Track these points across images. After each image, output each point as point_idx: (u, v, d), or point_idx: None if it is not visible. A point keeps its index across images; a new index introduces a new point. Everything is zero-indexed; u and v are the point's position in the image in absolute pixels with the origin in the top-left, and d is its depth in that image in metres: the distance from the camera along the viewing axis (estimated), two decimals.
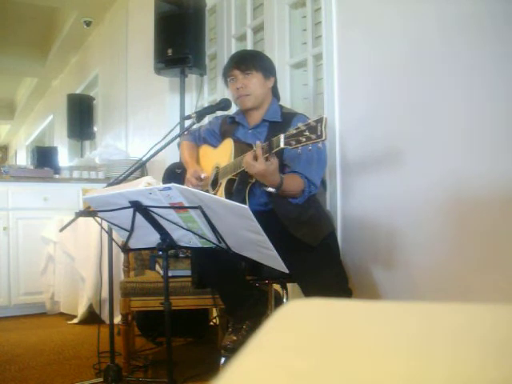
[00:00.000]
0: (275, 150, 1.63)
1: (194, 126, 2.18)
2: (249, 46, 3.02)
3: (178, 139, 2.19)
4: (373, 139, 2.06)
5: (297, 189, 1.88)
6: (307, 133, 1.51)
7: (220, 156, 2.06)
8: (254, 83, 2.05)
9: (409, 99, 1.90)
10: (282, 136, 1.58)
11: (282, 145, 1.57)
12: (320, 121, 1.49)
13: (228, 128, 2.18)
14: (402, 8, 1.93)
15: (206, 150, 2.25)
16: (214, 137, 2.26)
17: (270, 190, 1.77)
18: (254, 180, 1.90)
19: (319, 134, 1.49)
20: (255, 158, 1.67)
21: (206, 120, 2.86)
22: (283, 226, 1.86)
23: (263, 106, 2.09)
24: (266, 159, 1.67)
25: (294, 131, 1.55)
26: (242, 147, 1.94)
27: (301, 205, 1.90)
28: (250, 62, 2.06)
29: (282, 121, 2.02)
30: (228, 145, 2.01)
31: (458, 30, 1.69)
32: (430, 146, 1.80)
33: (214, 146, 2.21)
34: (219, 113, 2.29)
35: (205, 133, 2.28)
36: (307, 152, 1.64)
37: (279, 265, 1.53)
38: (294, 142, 1.54)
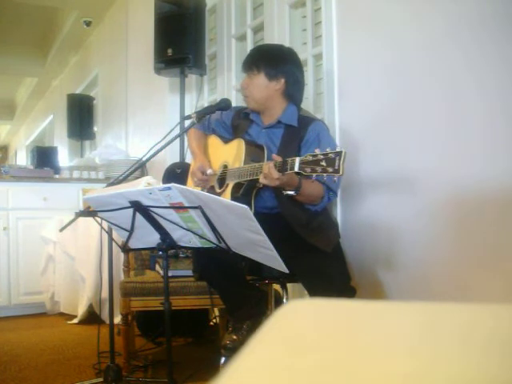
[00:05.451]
0: (288, 172, 1.59)
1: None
2: (249, 46, 3.02)
3: (178, 139, 2.18)
4: (373, 140, 2.05)
5: (317, 193, 1.84)
6: (324, 163, 1.48)
7: (230, 155, 2.00)
8: (254, 85, 1.99)
9: (410, 99, 1.90)
10: (297, 160, 1.54)
11: (296, 169, 1.54)
12: (339, 154, 1.46)
13: (241, 123, 2.11)
14: (402, 7, 1.93)
15: (214, 142, 2.18)
16: (224, 128, 2.19)
17: (289, 193, 1.72)
18: (261, 185, 1.88)
19: (336, 168, 1.46)
20: (272, 174, 1.62)
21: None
22: (290, 229, 1.85)
23: (274, 108, 2.01)
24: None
25: (311, 158, 1.51)
26: (252, 150, 1.91)
27: (309, 212, 1.89)
28: (252, 61, 2.01)
29: (298, 126, 1.96)
30: (239, 146, 1.95)
31: (463, 28, 1.69)
32: (431, 147, 1.80)
33: (224, 137, 2.15)
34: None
35: (215, 123, 2.20)
36: None
37: (279, 265, 1.53)
38: (308, 170, 1.51)
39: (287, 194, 1.73)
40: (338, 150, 1.48)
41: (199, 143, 2.19)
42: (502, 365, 0.37)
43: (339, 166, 1.46)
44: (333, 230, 1.97)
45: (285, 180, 1.64)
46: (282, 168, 1.59)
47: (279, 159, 1.61)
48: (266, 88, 1.99)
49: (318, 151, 1.51)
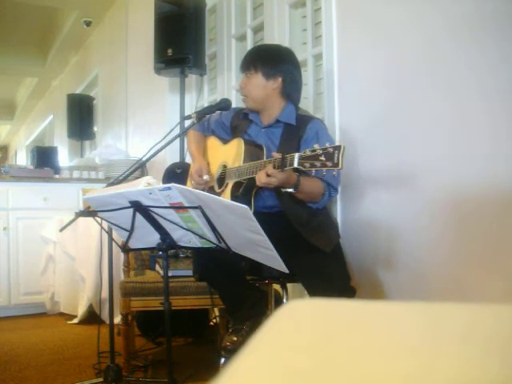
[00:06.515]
0: (287, 169, 1.59)
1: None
2: (249, 46, 3.02)
3: (178, 139, 2.18)
4: (373, 140, 2.05)
5: (317, 190, 1.85)
6: (323, 158, 1.48)
7: (229, 155, 2.01)
8: (251, 84, 2.00)
9: (411, 99, 1.89)
10: (296, 155, 1.54)
11: (295, 164, 1.54)
12: (338, 148, 1.46)
13: (240, 123, 2.12)
14: (402, 7, 1.93)
15: (213, 143, 2.19)
16: (223, 129, 2.19)
17: (288, 190, 1.72)
18: None
19: (335, 162, 1.46)
20: (269, 175, 1.62)
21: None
22: (290, 229, 1.85)
23: (272, 107, 2.02)
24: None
25: (310, 153, 1.51)
26: (252, 150, 1.91)
27: (310, 210, 1.89)
28: (249, 61, 2.02)
29: (297, 124, 1.96)
30: (239, 146, 1.95)
31: (462, 28, 1.69)
32: (431, 147, 1.80)
33: (223, 138, 2.15)
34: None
35: (214, 124, 2.21)
36: None
37: (279, 265, 1.53)
38: (308, 165, 1.51)
39: (286, 191, 1.73)
40: (336, 144, 1.48)
41: (198, 146, 2.20)
42: (503, 365, 0.37)
43: (338, 159, 1.46)
44: (333, 229, 1.97)
45: (283, 177, 1.64)
46: (281, 164, 1.60)
47: (279, 156, 1.62)
48: (263, 87, 2.00)
49: (316, 146, 1.51)
